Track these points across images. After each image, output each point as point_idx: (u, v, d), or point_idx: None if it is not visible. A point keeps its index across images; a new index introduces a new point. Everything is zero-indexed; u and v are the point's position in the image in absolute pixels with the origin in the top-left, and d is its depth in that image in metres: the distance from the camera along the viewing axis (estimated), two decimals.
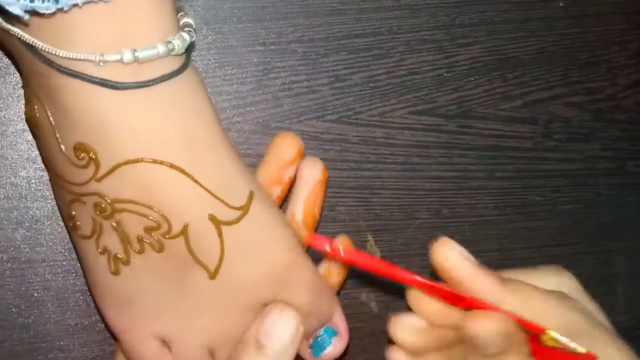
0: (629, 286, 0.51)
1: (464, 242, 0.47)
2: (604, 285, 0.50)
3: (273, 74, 0.44)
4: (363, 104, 0.45)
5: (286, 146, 0.41)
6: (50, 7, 0.30)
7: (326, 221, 0.45)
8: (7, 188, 0.41)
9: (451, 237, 0.46)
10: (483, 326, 0.34)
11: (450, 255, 0.36)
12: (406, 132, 0.46)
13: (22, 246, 0.41)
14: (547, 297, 0.36)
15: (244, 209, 0.36)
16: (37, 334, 0.42)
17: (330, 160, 0.45)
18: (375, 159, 0.45)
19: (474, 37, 0.47)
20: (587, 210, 0.49)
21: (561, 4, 0.48)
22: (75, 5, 0.31)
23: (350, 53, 0.45)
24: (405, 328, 0.38)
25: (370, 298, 0.46)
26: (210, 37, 0.43)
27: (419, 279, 0.35)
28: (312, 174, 0.41)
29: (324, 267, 0.42)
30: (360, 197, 0.45)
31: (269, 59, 0.43)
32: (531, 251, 0.49)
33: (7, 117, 0.41)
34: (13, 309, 0.41)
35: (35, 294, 0.41)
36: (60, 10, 0.30)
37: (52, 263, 0.41)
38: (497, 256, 0.48)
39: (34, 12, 0.30)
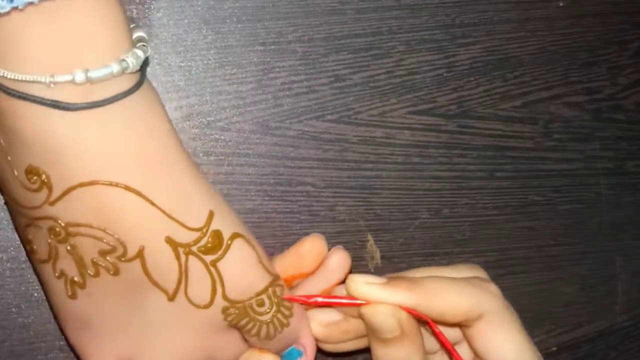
0: (629, 286, 0.51)
1: (464, 242, 0.47)
2: (604, 285, 0.50)
3: (273, 74, 0.44)
4: (363, 104, 0.45)
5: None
6: (5, 7, 0.29)
7: (326, 221, 0.44)
8: None
9: (451, 237, 0.47)
10: (375, 311, 0.36)
11: (359, 288, 0.37)
12: (406, 132, 0.46)
13: (22, 246, 0.41)
14: (458, 285, 0.38)
15: (202, 230, 0.35)
16: (37, 334, 0.42)
17: (330, 160, 0.45)
18: (375, 159, 0.45)
19: (474, 37, 0.46)
20: (587, 210, 0.49)
21: (561, 4, 0.48)
22: (31, 3, 0.29)
23: (350, 53, 0.45)
24: (318, 322, 0.40)
25: None
26: (210, 37, 0.43)
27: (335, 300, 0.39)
28: (339, 276, 0.40)
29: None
30: (360, 197, 0.45)
31: (268, 59, 0.43)
32: (531, 251, 0.49)
33: None
34: (13, 309, 0.41)
35: (35, 294, 0.41)
36: (16, 9, 0.29)
37: None
38: (497, 256, 0.48)
39: None
